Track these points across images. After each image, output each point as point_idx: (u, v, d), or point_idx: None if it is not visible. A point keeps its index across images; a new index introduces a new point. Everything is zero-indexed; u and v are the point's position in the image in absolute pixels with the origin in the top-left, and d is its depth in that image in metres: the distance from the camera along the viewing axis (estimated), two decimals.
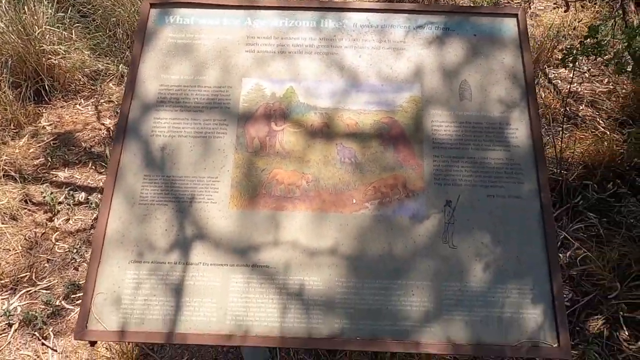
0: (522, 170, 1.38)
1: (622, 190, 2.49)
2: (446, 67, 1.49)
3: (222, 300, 1.25)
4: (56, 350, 2.01)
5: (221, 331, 1.23)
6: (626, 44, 1.77)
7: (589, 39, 1.69)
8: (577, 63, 1.99)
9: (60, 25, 3.30)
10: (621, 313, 2.07)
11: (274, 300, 1.25)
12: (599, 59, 2.37)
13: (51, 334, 2.06)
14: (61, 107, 3.22)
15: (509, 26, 1.52)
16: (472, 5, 3.51)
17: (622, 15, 2.15)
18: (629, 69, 1.87)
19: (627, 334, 2.05)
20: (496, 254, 1.30)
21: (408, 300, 1.26)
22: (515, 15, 1.52)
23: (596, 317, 2.11)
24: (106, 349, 1.96)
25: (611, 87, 3.08)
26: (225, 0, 1.54)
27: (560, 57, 1.80)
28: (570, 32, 3.69)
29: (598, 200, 2.49)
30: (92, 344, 1.28)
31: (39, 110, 3.14)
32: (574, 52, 1.67)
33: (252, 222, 1.32)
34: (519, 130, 1.41)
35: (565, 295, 2.17)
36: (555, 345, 1.22)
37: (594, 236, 2.33)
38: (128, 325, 1.23)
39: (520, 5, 3.60)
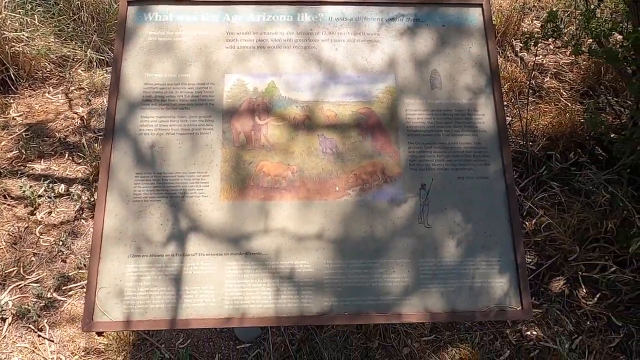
0: (488, 152, 1.50)
1: (583, 159, 2.68)
2: (417, 57, 1.57)
3: (219, 286, 1.35)
4: (53, 341, 2.08)
5: (220, 315, 1.33)
6: (584, 25, 1.89)
7: (549, 23, 1.80)
8: (537, 44, 2.11)
9: (21, 10, 3.18)
10: (580, 273, 2.28)
11: (268, 284, 1.36)
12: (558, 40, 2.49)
13: (46, 325, 2.12)
14: (29, 96, 3.15)
15: (475, 16, 1.61)
16: None
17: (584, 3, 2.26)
18: (585, 50, 2.00)
19: (585, 291, 2.27)
20: (467, 231, 1.44)
21: (389, 276, 1.39)
22: (480, 5, 1.61)
23: (558, 278, 2.32)
24: (103, 336, 2.04)
25: (573, 58, 3.23)
26: None
27: (523, 41, 1.91)
28: (535, 4, 3.80)
29: (561, 170, 2.67)
30: (99, 334, 1.36)
31: (7, 101, 3.06)
32: (535, 35, 1.78)
33: (243, 213, 1.41)
34: (485, 116, 1.53)
35: (531, 260, 2.37)
36: (519, 308, 1.39)
37: (556, 204, 2.52)
38: (132, 315, 1.32)
39: None
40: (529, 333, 2.14)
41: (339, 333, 2.07)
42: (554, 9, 1.67)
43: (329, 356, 1.98)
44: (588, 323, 2.18)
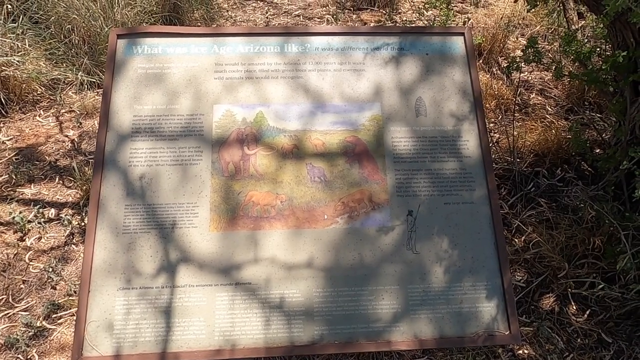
0: (473, 178, 1.53)
1: (569, 175, 2.73)
2: (402, 85, 1.61)
3: (209, 318, 1.35)
4: None
5: (210, 347, 1.33)
6: (564, 48, 1.95)
7: (529, 49, 1.85)
8: (520, 69, 2.16)
9: (11, 35, 3.19)
10: (569, 290, 2.30)
11: (258, 314, 1.37)
12: (540, 64, 2.56)
13: (35, 355, 2.10)
14: (20, 119, 3.15)
15: (457, 44, 1.66)
16: (423, 25, 3.66)
17: (565, 23, 2.33)
18: (567, 73, 2.05)
19: (574, 308, 2.29)
20: (453, 256, 1.46)
21: (379, 303, 1.40)
22: (462, 34, 1.66)
23: (548, 295, 2.34)
24: None
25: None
26: (191, 30, 1.60)
27: (505, 65, 1.96)
28: (520, 22, 3.90)
29: (548, 186, 2.71)
30: None
31: None
32: (517, 60, 1.83)
33: (233, 243, 1.42)
34: (469, 142, 1.56)
35: (520, 277, 2.39)
36: (507, 332, 1.40)
37: (545, 220, 2.55)
38: (122, 349, 1.31)
39: (465, 24, 3.76)
40: (520, 352, 2.15)
41: (332, 357, 2.06)
42: (537, 28, 1.72)
43: None
44: (579, 340, 2.19)
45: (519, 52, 2.21)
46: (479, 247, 1.47)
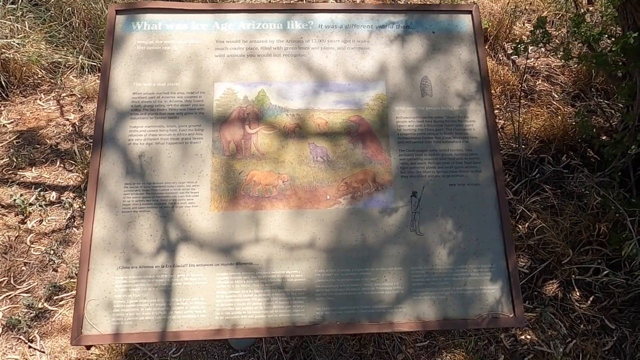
0: (479, 159, 1.50)
1: (575, 162, 2.69)
2: (408, 64, 1.57)
3: (210, 297, 1.34)
4: (44, 352, 2.05)
5: (211, 326, 1.32)
6: (574, 30, 1.90)
7: (538, 29, 1.81)
8: (527, 50, 2.11)
9: (11, 16, 3.16)
10: (573, 276, 2.29)
11: (259, 294, 1.35)
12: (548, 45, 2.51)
13: (37, 336, 2.10)
14: (20, 103, 3.13)
15: (464, 22, 1.61)
16: (429, 3, 3.60)
17: (574, 7, 2.28)
18: (575, 55, 2.01)
19: (578, 294, 2.28)
20: (458, 238, 1.44)
21: (381, 285, 1.38)
22: (470, 12, 1.61)
23: (551, 281, 2.33)
24: (94, 346, 2.02)
25: (564, 61, 3.24)
26: (192, 5, 1.56)
27: (513, 47, 1.92)
28: (527, 7, 3.82)
29: (553, 173, 2.68)
30: (88, 347, 1.34)
31: None
32: (525, 41, 1.79)
33: (234, 223, 1.40)
34: (475, 122, 1.53)
35: (524, 263, 2.38)
36: (512, 315, 1.38)
37: (549, 207, 2.52)
38: (122, 327, 1.30)
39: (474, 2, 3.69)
40: (523, 337, 2.14)
41: (333, 340, 2.06)
42: (544, 14, 1.67)
43: None
44: (582, 326, 2.18)
45: (525, 39, 2.17)
46: (484, 229, 1.44)
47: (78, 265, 2.27)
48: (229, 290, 1.35)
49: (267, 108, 1.50)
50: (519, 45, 1.85)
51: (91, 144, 2.85)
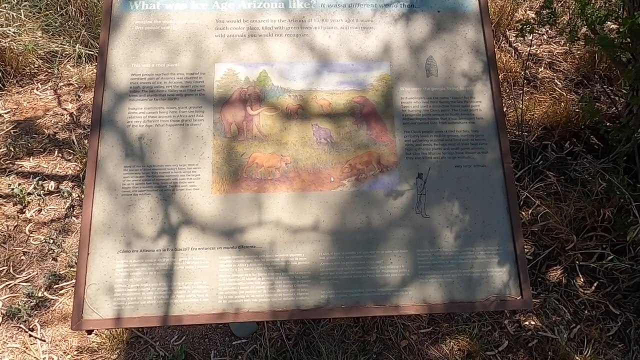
0: (485, 140, 1.47)
1: (578, 149, 2.67)
2: (413, 44, 1.54)
3: (212, 281, 1.31)
4: (45, 340, 2.03)
5: (214, 310, 1.30)
6: (580, 11, 1.87)
7: (545, 9, 1.77)
8: (533, 32, 2.08)
9: (6, 5, 3.11)
10: (577, 262, 2.27)
11: (262, 278, 1.33)
12: (554, 26, 2.49)
13: (37, 325, 2.08)
14: (17, 93, 3.09)
15: (470, 1, 1.58)
16: None
17: None
18: (581, 36, 1.97)
19: (582, 280, 2.26)
20: (464, 220, 1.41)
21: (387, 268, 1.36)
22: None
23: (555, 267, 2.31)
24: (96, 334, 2.00)
25: (567, 48, 3.21)
26: None
27: (519, 28, 1.88)
28: None
29: (557, 159, 2.66)
30: (89, 332, 1.32)
31: None
32: (531, 22, 1.75)
33: (236, 206, 1.37)
34: (482, 103, 1.50)
35: (528, 250, 2.36)
36: (519, 298, 1.36)
37: (553, 193, 2.50)
38: (123, 312, 1.28)
39: None
40: (527, 323, 2.13)
41: (336, 327, 2.04)
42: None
43: (326, 350, 1.95)
44: (586, 312, 2.17)
45: (532, 17, 2.14)
46: (490, 212, 1.42)
47: (78, 254, 2.25)
48: (231, 273, 1.32)
49: (268, 89, 1.47)
50: (525, 26, 1.81)
51: (89, 133, 2.82)
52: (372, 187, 1.41)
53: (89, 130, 2.86)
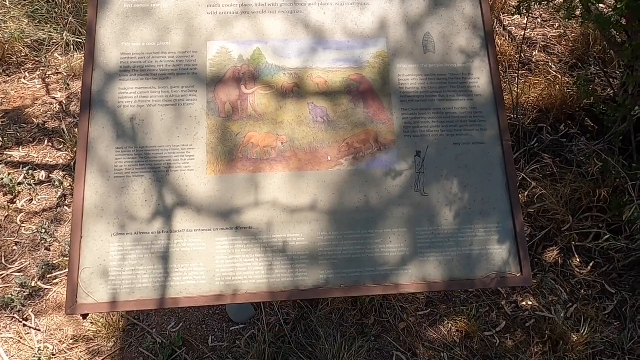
0: (484, 117, 1.45)
1: (573, 131, 2.67)
2: (409, 20, 1.51)
3: (209, 263, 1.29)
4: (39, 330, 2.01)
5: (211, 292, 1.28)
6: None
7: None
8: (530, 9, 2.06)
9: None
10: (573, 243, 2.28)
11: (260, 259, 1.31)
12: (551, 4, 2.46)
13: (32, 314, 2.05)
14: (4, 82, 3.02)
15: None
16: None
17: None
18: (578, 14, 1.96)
19: (578, 260, 2.27)
20: (464, 198, 1.40)
21: (386, 246, 1.34)
22: None
23: (552, 248, 2.31)
24: (91, 322, 1.98)
25: (562, 31, 3.20)
26: None
27: (515, 5, 1.86)
28: None
29: (552, 142, 2.66)
30: (84, 316, 1.30)
31: None
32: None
33: (232, 186, 1.34)
34: (480, 80, 1.48)
35: (524, 231, 2.36)
36: (519, 274, 1.36)
37: (548, 175, 2.50)
38: (118, 295, 1.25)
39: None
40: (524, 303, 2.14)
41: (335, 310, 2.03)
42: None
43: (324, 334, 1.94)
44: (582, 291, 2.18)
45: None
46: (489, 189, 1.40)
47: (70, 237, 2.22)
48: (229, 255, 1.30)
49: (263, 67, 1.43)
50: (522, 3, 1.79)
51: (79, 114, 2.77)
52: (370, 165, 1.39)
53: (79, 119, 2.81)
